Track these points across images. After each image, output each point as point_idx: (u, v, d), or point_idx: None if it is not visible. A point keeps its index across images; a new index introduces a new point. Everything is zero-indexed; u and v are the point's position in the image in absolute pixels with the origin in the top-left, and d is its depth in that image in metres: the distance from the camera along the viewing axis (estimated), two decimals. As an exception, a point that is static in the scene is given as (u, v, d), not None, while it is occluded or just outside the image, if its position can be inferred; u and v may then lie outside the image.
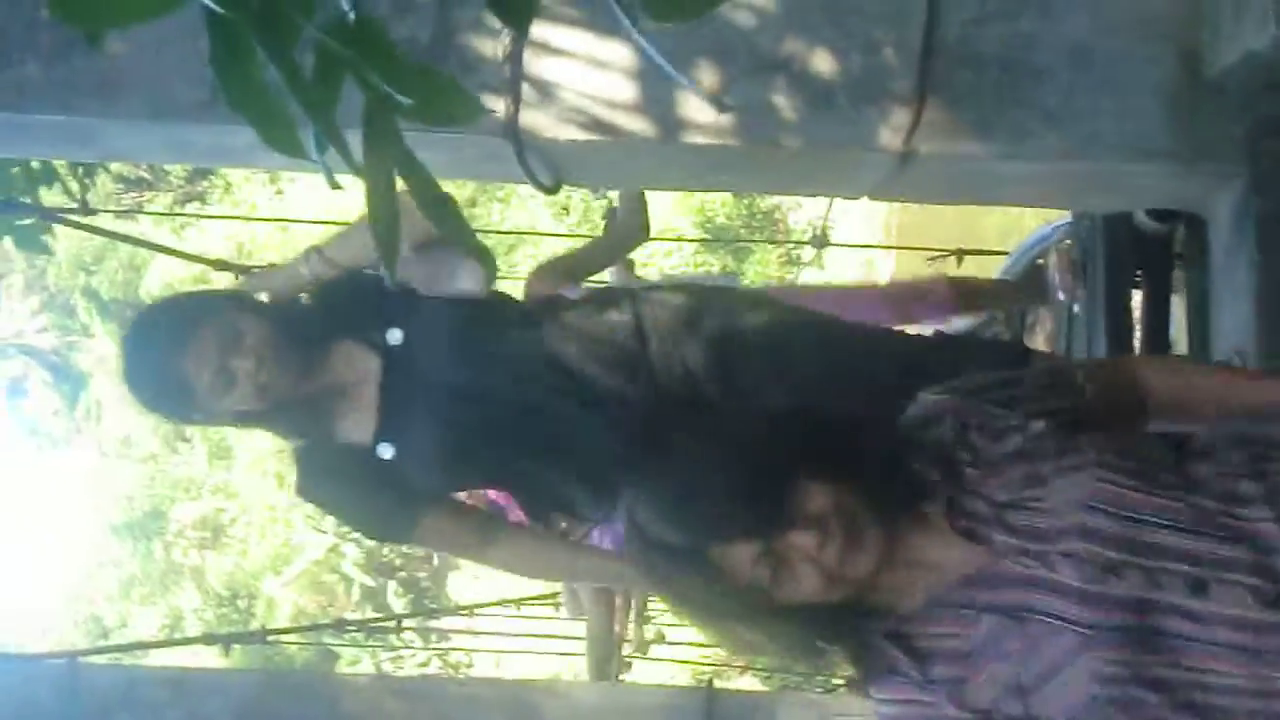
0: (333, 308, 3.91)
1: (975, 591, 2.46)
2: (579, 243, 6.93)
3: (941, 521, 2.51)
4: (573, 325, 3.90)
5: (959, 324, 6.77)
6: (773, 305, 4.20)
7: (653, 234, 5.83)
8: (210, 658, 14.21)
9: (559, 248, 27.20)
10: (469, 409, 3.75)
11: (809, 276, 20.14)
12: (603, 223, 6.01)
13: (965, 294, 6.55)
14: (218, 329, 3.63)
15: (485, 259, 3.99)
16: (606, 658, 5.44)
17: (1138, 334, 5.85)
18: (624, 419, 3.70)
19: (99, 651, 6.76)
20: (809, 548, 2.40)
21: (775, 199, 26.74)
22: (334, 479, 3.92)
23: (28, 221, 6.43)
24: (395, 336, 3.81)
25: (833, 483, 2.45)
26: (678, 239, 23.82)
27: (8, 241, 6.72)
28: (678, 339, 3.84)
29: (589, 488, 3.86)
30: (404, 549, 36.47)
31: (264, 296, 3.98)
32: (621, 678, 5.33)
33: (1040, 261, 7.05)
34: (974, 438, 2.58)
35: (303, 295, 3.99)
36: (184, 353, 3.60)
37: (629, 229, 5.67)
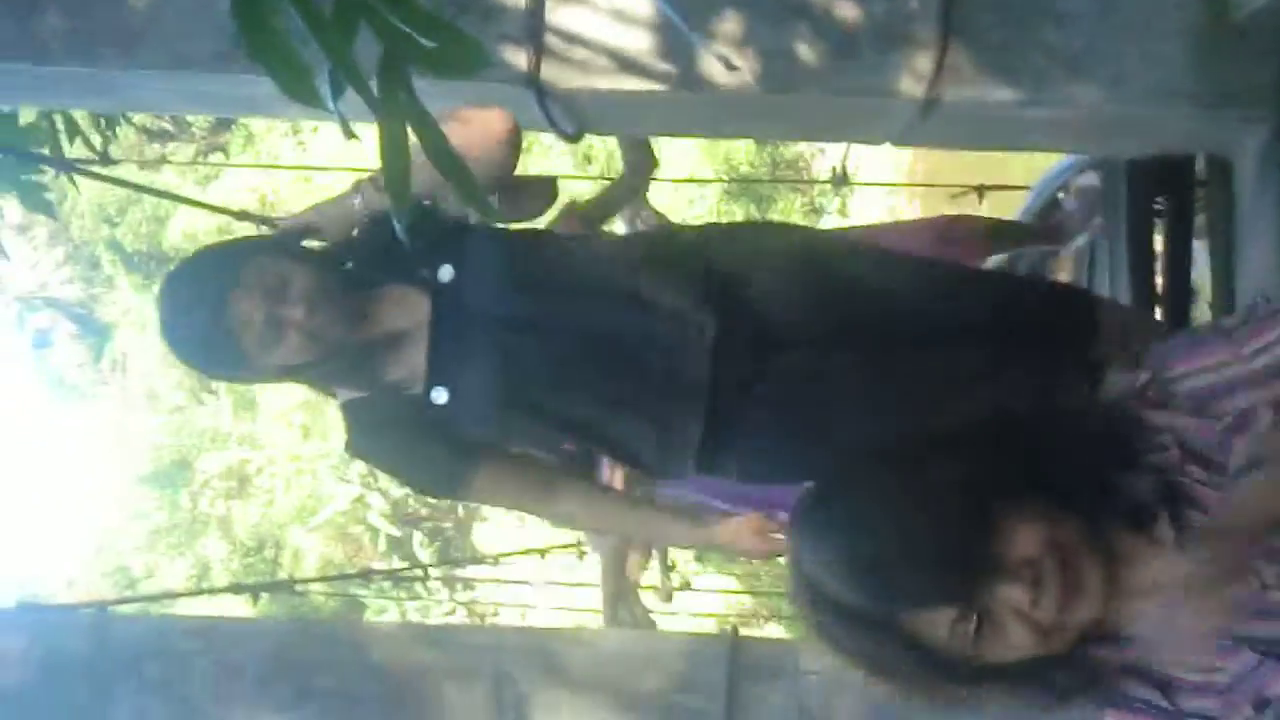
0: (380, 246, 3.58)
1: (1233, 620, 2.04)
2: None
3: (1166, 537, 2.07)
4: (639, 257, 3.66)
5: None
6: (843, 240, 4.07)
7: (667, 173, 5.84)
8: (238, 607, 14.29)
9: (583, 194, 27.22)
10: (526, 348, 3.52)
11: (832, 223, 20.08)
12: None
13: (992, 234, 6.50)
14: (261, 277, 3.37)
15: (549, 189, 4.00)
16: (619, 593, 5.44)
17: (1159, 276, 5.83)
18: (696, 360, 3.46)
19: (127, 601, 6.80)
20: (1020, 602, 1.98)
21: (799, 147, 26.69)
22: (386, 432, 3.65)
23: (32, 176, 6.38)
24: (446, 273, 3.55)
25: (1042, 518, 2.01)
26: (698, 181, 23.74)
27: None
28: (752, 274, 3.60)
29: (658, 438, 3.58)
30: (429, 500, 36.63)
31: (314, 232, 3.72)
32: (633, 613, 5.32)
33: (1061, 195, 7.02)
34: (1199, 448, 2.11)
35: (353, 230, 3.72)
36: (227, 304, 3.35)
37: (637, 165, 5.69)
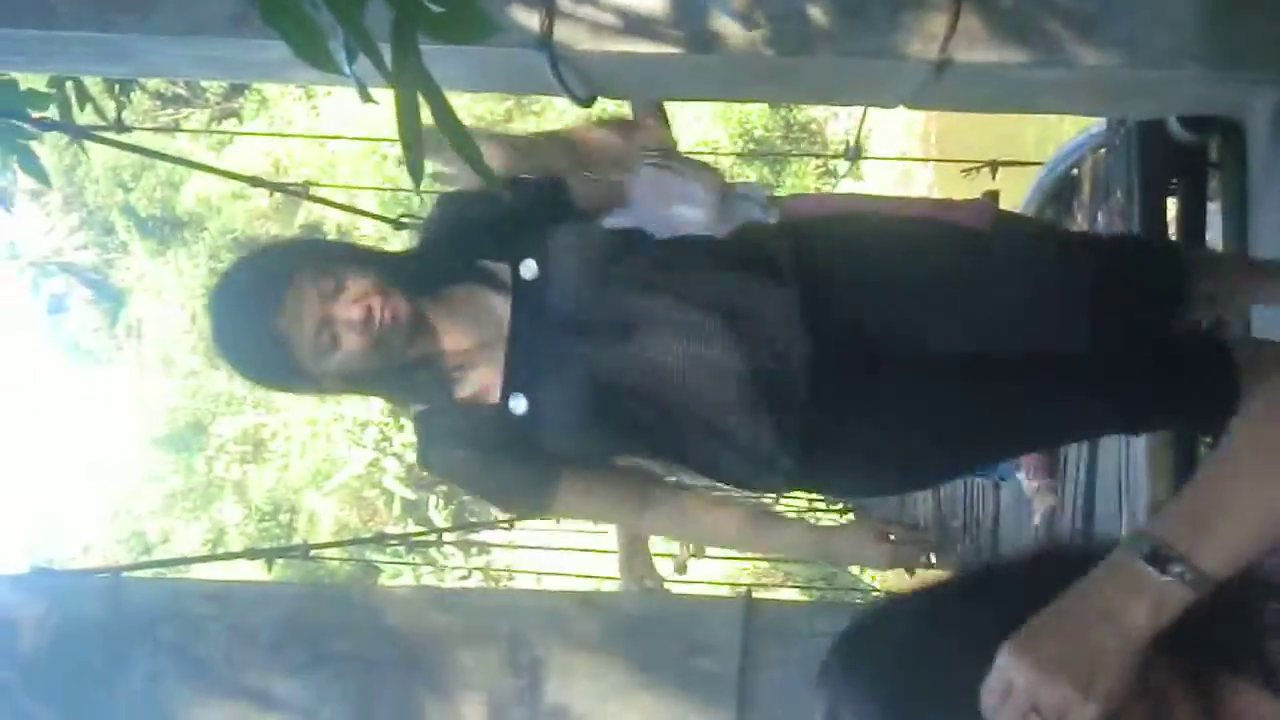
0: (450, 239, 3.32)
1: None
2: None
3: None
4: (733, 259, 3.28)
5: None
6: (951, 231, 3.51)
7: (682, 139, 5.79)
8: (253, 572, 14.32)
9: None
10: (615, 355, 3.16)
11: (846, 188, 20.07)
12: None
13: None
14: (315, 278, 3.09)
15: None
16: (634, 554, 5.44)
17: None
18: (792, 372, 3.14)
19: (142, 567, 6.83)
20: None
21: (813, 111, 26.67)
22: (460, 445, 3.31)
23: (26, 140, 6.40)
24: (528, 269, 3.22)
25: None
26: (714, 151, 23.73)
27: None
28: (852, 276, 3.26)
29: (748, 453, 3.26)
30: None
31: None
32: (648, 582, 5.32)
33: (1075, 172, 7.02)
34: None
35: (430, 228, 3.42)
36: (278, 308, 3.06)
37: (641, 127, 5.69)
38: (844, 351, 3.17)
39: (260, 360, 3.19)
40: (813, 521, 3.75)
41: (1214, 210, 5.61)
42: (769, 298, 3.19)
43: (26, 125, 6.08)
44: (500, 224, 3.28)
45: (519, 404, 3.20)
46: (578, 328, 3.18)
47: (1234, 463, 1.82)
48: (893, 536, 3.38)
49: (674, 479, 3.60)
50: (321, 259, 3.18)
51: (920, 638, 1.82)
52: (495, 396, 3.23)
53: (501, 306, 3.23)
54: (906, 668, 1.79)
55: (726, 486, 3.59)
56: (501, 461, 3.32)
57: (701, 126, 25.25)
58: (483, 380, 3.26)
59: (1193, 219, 5.62)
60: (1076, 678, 1.67)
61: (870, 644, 1.87)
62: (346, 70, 1.98)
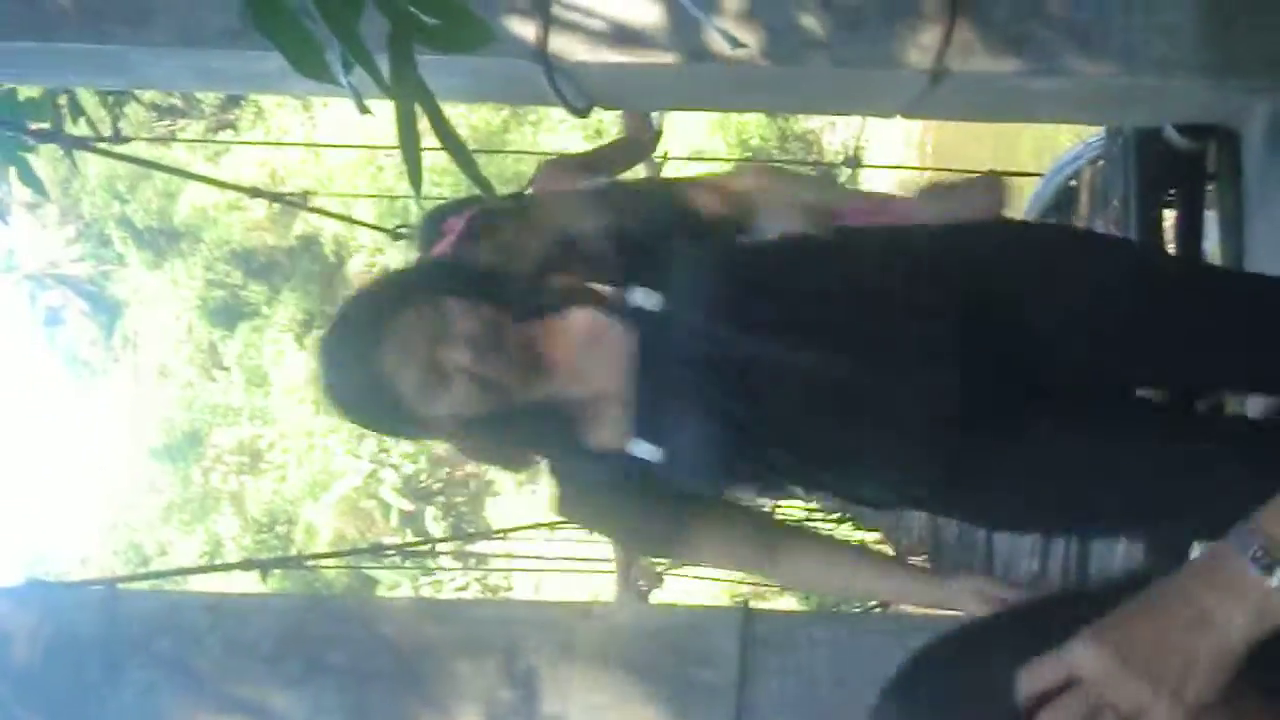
0: (564, 266, 3.07)
1: None
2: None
3: None
4: (877, 271, 3.03)
5: None
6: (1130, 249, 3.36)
7: (677, 148, 5.80)
8: (249, 583, 14.32)
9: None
10: (751, 389, 2.90)
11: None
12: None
13: None
14: (420, 315, 2.89)
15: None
16: (629, 565, 5.46)
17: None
18: (943, 395, 2.91)
19: (138, 578, 6.81)
20: None
21: (810, 122, 26.70)
22: (594, 493, 3.12)
23: (25, 152, 6.40)
24: (650, 298, 2.95)
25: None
26: (709, 158, 23.75)
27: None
28: (1014, 288, 2.98)
29: (890, 479, 3.10)
30: (441, 474, 36.71)
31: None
32: (647, 589, 5.35)
33: (1073, 183, 7.02)
34: None
35: (531, 253, 3.14)
36: (381, 348, 2.88)
37: (637, 141, 5.69)
38: (1001, 378, 2.93)
39: (365, 405, 3.02)
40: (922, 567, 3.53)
41: (1210, 218, 5.61)
42: (919, 323, 2.94)
43: (24, 136, 6.08)
44: (619, 244, 3.04)
45: (648, 448, 2.96)
46: (707, 362, 2.92)
47: None
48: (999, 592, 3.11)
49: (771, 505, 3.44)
50: (428, 291, 2.96)
51: (955, 684, 1.76)
52: (621, 439, 2.98)
53: (622, 338, 2.97)
54: (941, 714, 1.74)
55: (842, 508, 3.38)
56: (634, 509, 3.13)
57: (699, 136, 25.26)
58: (607, 421, 3.01)
59: (1190, 228, 5.62)
60: (1164, 679, 1.54)
61: (910, 688, 1.83)
62: (342, 81, 1.98)
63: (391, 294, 3.01)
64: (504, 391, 2.92)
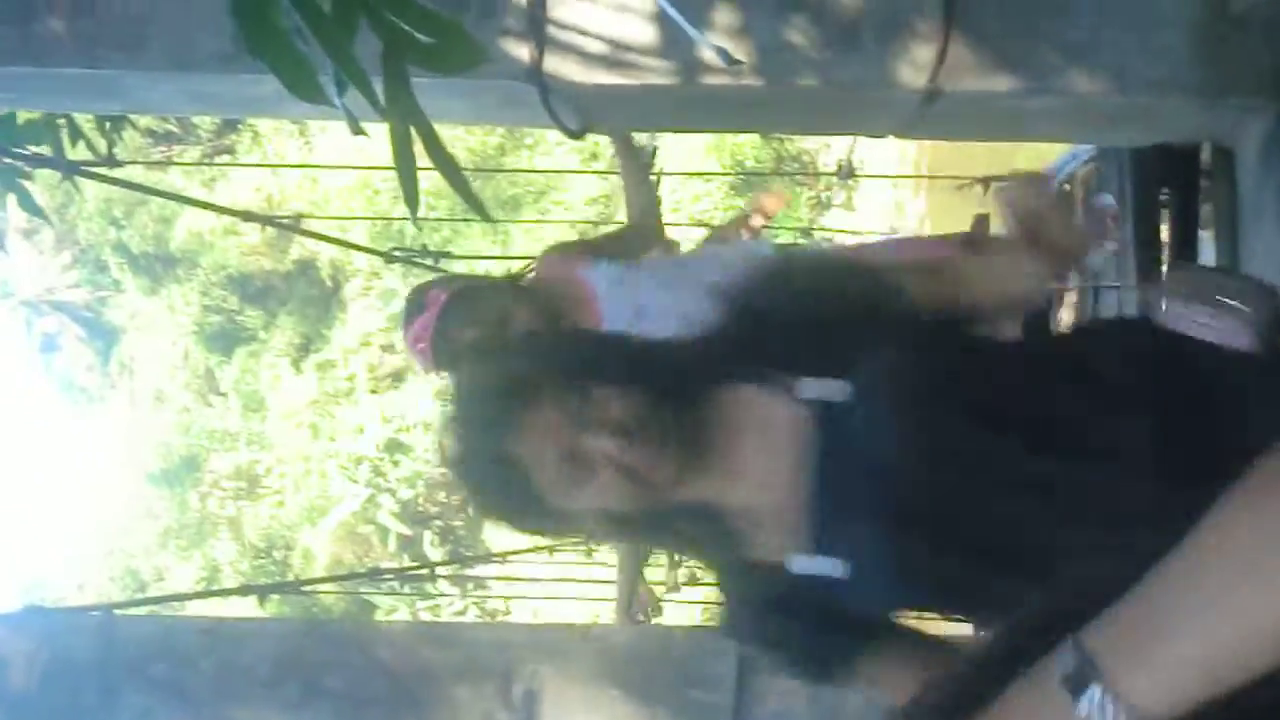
0: (731, 343, 2.65)
1: None
2: (609, 188, 6.68)
3: None
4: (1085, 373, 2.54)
5: None
6: None
7: (674, 167, 5.79)
8: (247, 610, 14.29)
9: (589, 193, 27.18)
10: (953, 497, 2.46)
11: (838, 218, 20.10)
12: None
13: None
14: (559, 393, 2.49)
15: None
16: (632, 593, 5.44)
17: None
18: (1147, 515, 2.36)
19: (135, 604, 6.80)
20: None
21: (804, 143, 26.71)
22: (758, 609, 2.72)
23: (22, 178, 6.40)
24: (837, 390, 2.51)
25: None
26: (701, 175, 23.76)
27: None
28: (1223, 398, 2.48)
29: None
30: (439, 499, 36.69)
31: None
32: (648, 618, 5.34)
33: (1067, 187, 7.03)
34: None
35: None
36: (514, 432, 2.49)
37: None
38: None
39: (496, 495, 2.63)
40: None
41: (1206, 238, 5.61)
42: (1131, 432, 2.47)
43: (20, 163, 6.08)
44: (804, 325, 2.58)
45: (827, 564, 2.53)
46: (901, 469, 2.46)
47: (1199, 553, 1.37)
48: None
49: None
50: (568, 364, 2.57)
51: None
52: (794, 551, 2.57)
53: (799, 433, 2.53)
54: None
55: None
56: (805, 631, 2.70)
57: (694, 158, 25.26)
58: (777, 528, 2.57)
59: (1185, 231, 5.62)
60: None
61: None
62: (336, 102, 1.98)
63: (529, 360, 2.64)
64: (655, 487, 2.52)
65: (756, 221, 6.00)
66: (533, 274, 4.80)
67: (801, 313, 2.57)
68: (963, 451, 2.40)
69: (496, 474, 2.51)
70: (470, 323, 4.43)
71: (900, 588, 2.55)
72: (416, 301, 4.66)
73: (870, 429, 2.44)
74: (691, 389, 2.55)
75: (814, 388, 2.48)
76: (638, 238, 5.15)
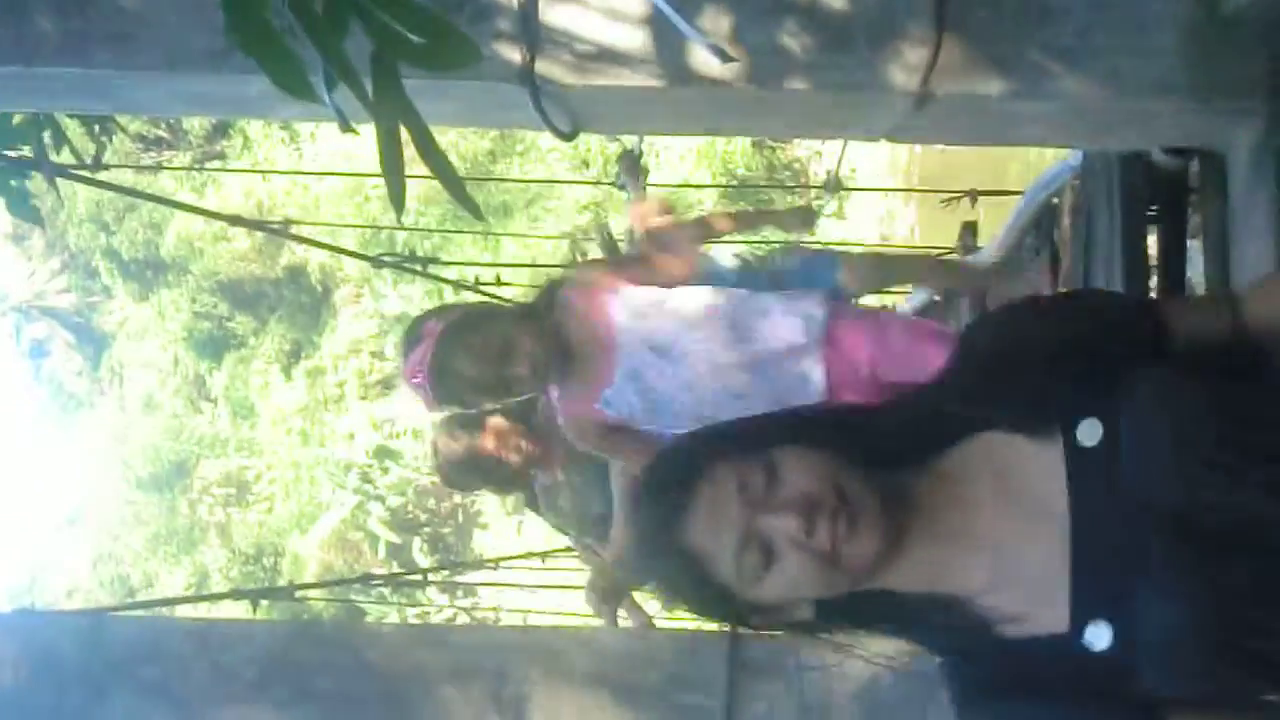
0: (955, 390, 2.30)
1: None
2: (600, 195, 6.56)
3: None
4: None
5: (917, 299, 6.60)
6: None
7: (665, 177, 5.73)
8: (237, 614, 14.28)
9: (580, 199, 27.18)
10: (1250, 547, 2.05)
11: (829, 227, 20.09)
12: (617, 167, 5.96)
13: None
14: (739, 467, 2.15)
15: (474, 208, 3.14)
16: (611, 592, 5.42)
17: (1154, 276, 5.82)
18: None
19: (125, 608, 6.78)
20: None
21: (796, 151, 26.73)
22: (1009, 698, 2.21)
23: (18, 183, 6.36)
24: (1089, 432, 2.12)
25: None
26: (692, 185, 23.75)
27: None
28: None
29: None
30: (428, 505, 36.66)
31: None
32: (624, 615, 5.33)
33: (1055, 201, 7.04)
34: None
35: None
36: (689, 511, 2.16)
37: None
38: None
39: (672, 581, 2.29)
40: None
41: (1195, 247, 5.61)
42: None
43: (4, 165, 6.05)
44: (1046, 356, 2.21)
45: (1100, 635, 2.10)
46: (1181, 518, 2.07)
47: None
48: None
49: None
50: (751, 436, 2.22)
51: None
52: (1053, 624, 2.14)
53: (1052, 484, 2.13)
54: None
55: None
56: (1075, 715, 2.22)
57: (685, 166, 25.29)
58: (1026, 599, 2.16)
59: (1173, 247, 5.62)
60: None
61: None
62: (326, 100, 1.97)
63: (710, 435, 2.33)
64: (858, 574, 2.17)
65: (654, 223, 5.73)
66: (555, 290, 4.69)
67: (1043, 349, 2.21)
68: (1262, 490, 2.03)
69: (676, 569, 2.21)
70: (469, 354, 4.39)
71: (1193, 658, 2.06)
72: (414, 333, 4.61)
73: (1128, 475, 2.07)
74: (901, 445, 2.23)
75: (1074, 431, 2.12)
76: (662, 275, 4.83)
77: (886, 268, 6.04)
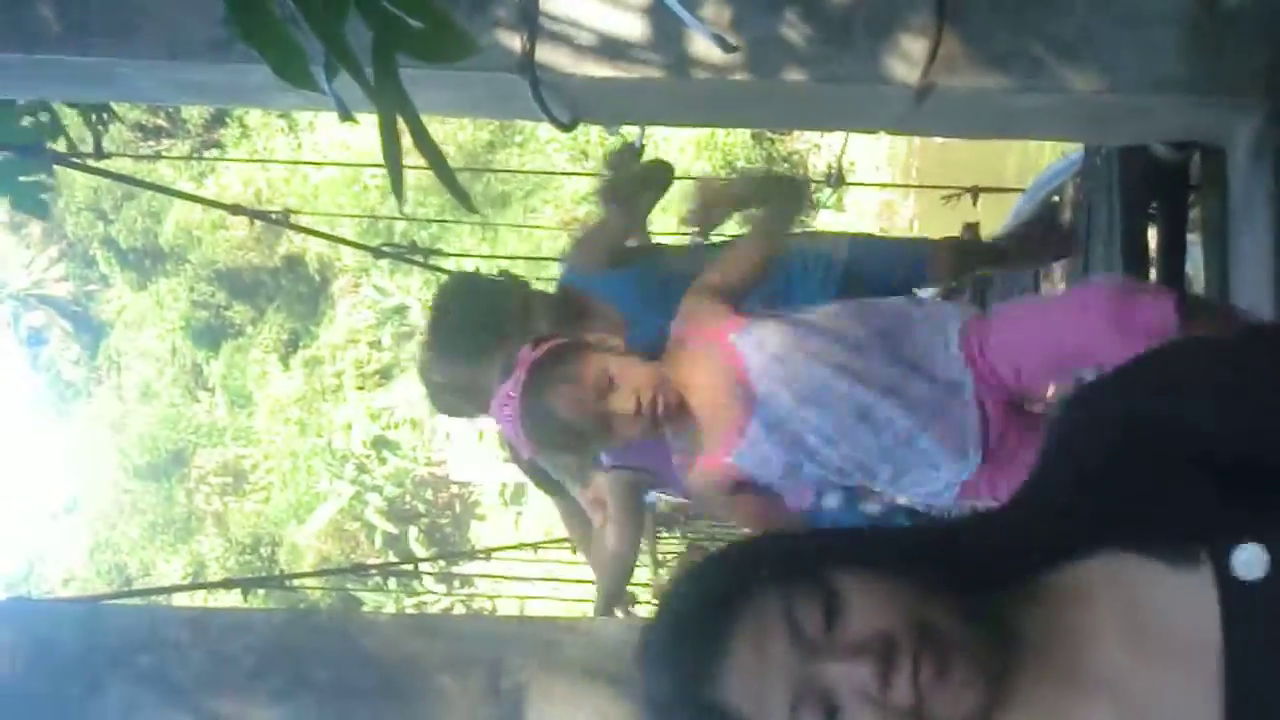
0: (1082, 483, 1.77)
1: None
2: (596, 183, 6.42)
3: None
4: None
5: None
6: None
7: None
8: (233, 603, 14.29)
9: (579, 190, 27.20)
10: None
11: (827, 218, 20.10)
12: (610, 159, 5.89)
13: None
14: (789, 606, 1.64)
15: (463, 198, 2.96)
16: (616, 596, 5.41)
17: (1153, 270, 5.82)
18: None
19: (120, 596, 6.78)
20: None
21: (795, 144, 26.74)
22: None
23: (31, 178, 6.34)
24: (1251, 561, 1.61)
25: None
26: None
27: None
28: None
29: None
30: (425, 496, 36.64)
31: None
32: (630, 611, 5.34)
33: (1055, 198, 7.03)
34: None
35: None
36: (721, 672, 1.66)
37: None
38: None
39: None
40: None
41: (1194, 241, 5.62)
42: None
43: (9, 158, 6.05)
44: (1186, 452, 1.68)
45: None
46: None
47: None
48: None
49: None
50: (804, 557, 1.72)
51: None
52: None
53: (1192, 622, 1.64)
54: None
55: None
56: None
57: (685, 159, 25.29)
58: None
59: (1173, 243, 5.62)
60: None
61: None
62: (325, 89, 1.97)
63: (737, 572, 1.75)
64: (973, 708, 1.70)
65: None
66: (683, 329, 3.93)
67: (1185, 440, 1.67)
68: None
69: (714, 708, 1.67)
70: (567, 389, 3.77)
71: None
72: (497, 345, 4.26)
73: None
74: (997, 563, 1.72)
75: (1228, 558, 1.60)
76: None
77: (976, 256, 5.91)
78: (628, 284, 4.76)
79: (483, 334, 4.62)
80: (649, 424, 3.81)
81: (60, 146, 6.72)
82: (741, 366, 3.80)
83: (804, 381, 3.78)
